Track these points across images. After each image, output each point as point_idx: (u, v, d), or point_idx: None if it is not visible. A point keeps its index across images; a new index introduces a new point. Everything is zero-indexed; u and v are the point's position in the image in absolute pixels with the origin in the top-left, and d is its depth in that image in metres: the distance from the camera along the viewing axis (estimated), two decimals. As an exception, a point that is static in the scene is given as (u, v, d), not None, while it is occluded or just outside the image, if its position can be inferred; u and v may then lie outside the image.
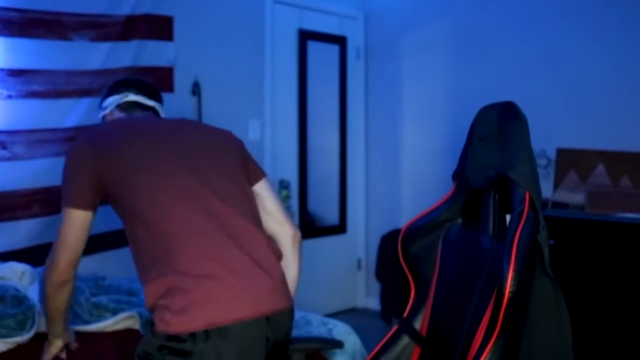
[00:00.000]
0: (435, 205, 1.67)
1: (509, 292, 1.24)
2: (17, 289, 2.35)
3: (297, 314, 2.68)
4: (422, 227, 1.67)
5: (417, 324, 1.65)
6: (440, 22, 4.32)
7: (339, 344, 1.75)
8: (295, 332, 2.42)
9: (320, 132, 4.53)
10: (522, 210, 1.33)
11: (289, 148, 4.32)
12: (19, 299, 2.30)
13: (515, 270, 1.25)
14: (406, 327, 1.63)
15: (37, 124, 2.99)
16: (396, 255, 4.53)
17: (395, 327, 1.67)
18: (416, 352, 1.63)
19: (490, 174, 1.47)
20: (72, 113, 3.10)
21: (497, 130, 1.48)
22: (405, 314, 1.67)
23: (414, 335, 1.62)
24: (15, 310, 2.24)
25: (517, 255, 1.26)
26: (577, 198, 3.43)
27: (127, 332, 2.19)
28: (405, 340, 1.63)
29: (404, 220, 4.51)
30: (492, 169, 1.47)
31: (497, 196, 1.48)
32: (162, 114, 1.96)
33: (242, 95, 4.00)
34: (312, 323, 2.58)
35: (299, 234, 1.80)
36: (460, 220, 1.64)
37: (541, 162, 3.59)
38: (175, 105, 3.57)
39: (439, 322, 1.58)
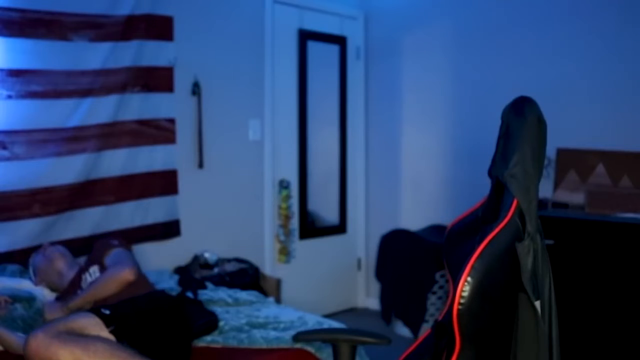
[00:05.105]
0: (476, 205, 1.59)
1: (458, 304, 1.19)
2: (29, 291, 2.55)
3: (294, 314, 2.69)
4: (463, 228, 1.59)
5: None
6: (440, 22, 4.32)
7: (386, 340, 1.73)
8: (290, 332, 2.43)
9: (320, 132, 4.53)
10: (505, 217, 1.27)
11: (289, 148, 4.32)
12: (29, 301, 2.48)
13: (467, 282, 1.19)
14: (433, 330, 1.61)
15: (37, 124, 2.99)
16: (396, 255, 4.50)
17: (428, 330, 1.62)
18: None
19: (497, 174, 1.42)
20: (72, 113, 3.10)
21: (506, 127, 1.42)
22: (440, 317, 1.65)
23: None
24: (23, 313, 2.38)
25: (477, 264, 1.21)
26: (577, 198, 3.43)
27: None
28: None
29: (404, 221, 4.52)
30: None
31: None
32: None
33: (242, 95, 4.00)
34: (308, 323, 2.59)
35: None
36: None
37: (541, 162, 3.58)
38: (175, 105, 3.58)
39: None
